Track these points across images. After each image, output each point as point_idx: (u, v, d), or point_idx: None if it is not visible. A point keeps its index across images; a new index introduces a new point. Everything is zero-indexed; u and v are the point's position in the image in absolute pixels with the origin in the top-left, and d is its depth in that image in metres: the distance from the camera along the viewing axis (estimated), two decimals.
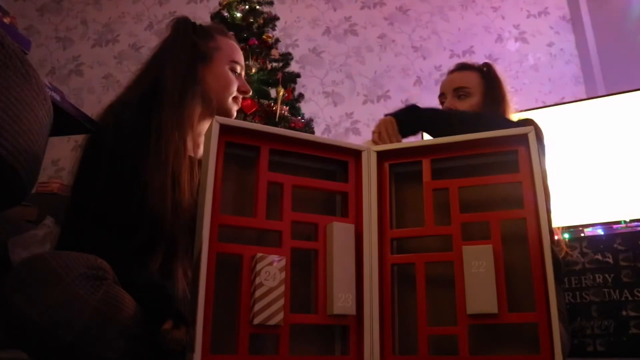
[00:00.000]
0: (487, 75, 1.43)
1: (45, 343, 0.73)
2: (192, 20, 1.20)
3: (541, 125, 1.29)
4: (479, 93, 1.39)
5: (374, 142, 1.24)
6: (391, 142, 1.21)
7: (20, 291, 0.74)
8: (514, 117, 1.41)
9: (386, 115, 1.29)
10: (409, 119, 1.27)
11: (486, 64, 1.47)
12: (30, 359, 0.80)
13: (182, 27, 1.16)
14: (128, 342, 0.80)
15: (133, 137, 0.98)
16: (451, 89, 1.41)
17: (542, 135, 1.30)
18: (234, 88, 1.17)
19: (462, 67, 1.47)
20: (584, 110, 2.32)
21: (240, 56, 1.21)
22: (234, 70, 1.18)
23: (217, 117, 0.76)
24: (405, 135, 1.26)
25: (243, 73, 1.23)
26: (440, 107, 1.46)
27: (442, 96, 1.45)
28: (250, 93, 1.28)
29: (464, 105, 1.37)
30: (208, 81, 1.13)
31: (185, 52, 1.11)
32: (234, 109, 1.19)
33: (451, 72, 1.49)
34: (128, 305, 0.81)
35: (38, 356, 0.78)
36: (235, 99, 1.18)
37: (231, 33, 1.29)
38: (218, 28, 1.24)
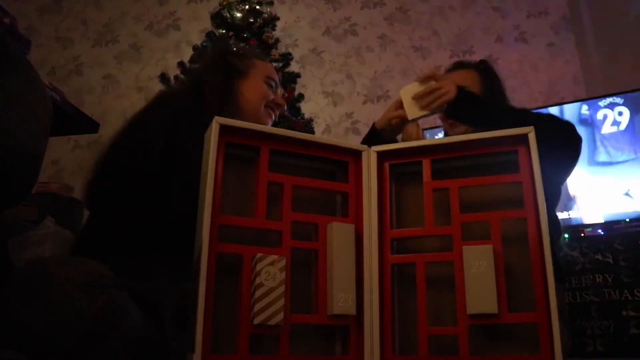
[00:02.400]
0: (485, 73, 1.42)
1: (44, 350, 0.73)
2: (230, 45, 1.30)
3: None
4: (478, 92, 1.36)
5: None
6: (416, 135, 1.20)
7: (20, 298, 0.74)
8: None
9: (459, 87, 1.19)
10: (467, 106, 1.20)
11: (482, 61, 1.46)
12: None
13: (220, 50, 1.30)
14: (128, 348, 0.80)
15: (186, 124, 1.03)
16: None
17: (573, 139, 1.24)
18: (269, 99, 1.24)
19: (460, 66, 1.46)
20: (584, 110, 2.32)
21: (274, 74, 1.30)
22: (270, 85, 1.26)
23: (217, 118, 0.76)
24: (450, 117, 1.23)
25: (279, 91, 1.31)
26: None
27: None
28: (285, 107, 1.36)
29: None
30: (244, 93, 1.22)
31: (222, 70, 1.22)
32: (267, 119, 1.26)
33: (448, 71, 1.47)
34: (129, 311, 0.81)
35: None
36: (268, 109, 1.25)
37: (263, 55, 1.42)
38: (254, 51, 1.37)
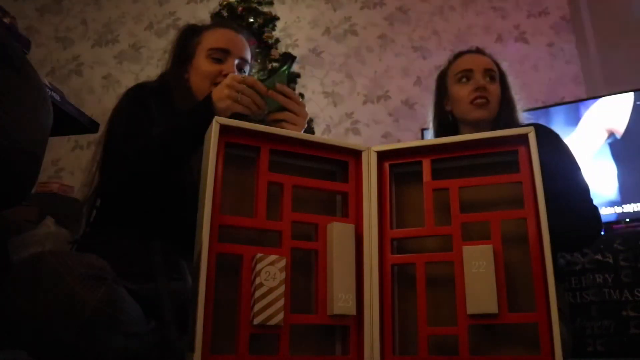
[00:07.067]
0: (499, 68, 1.45)
1: (45, 342, 0.73)
2: (193, 23, 1.24)
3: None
4: (499, 81, 1.40)
5: None
6: None
7: (21, 290, 0.74)
8: (522, 115, 1.42)
9: None
10: None
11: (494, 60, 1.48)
12: (30, 359, 0.80)
13: (178, 36, 1.22)
14: (128, 342, 0.80)
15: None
16: (482, 68, 1.39)
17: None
18: (213, 75, 1.13)
19: (484, 53, 1.47)
20: (584, 110, 2.32)
21: (223, 42, 1.16)
22: (214, 58, 1.15)
23: (217, 118, 0.76)
24: None
25: (234, 59, 1.17)
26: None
27: (466, 72, 1.41)
28: (236, 73, 1.23)
29: (494, 88, 1.37)
30: (192, 77, 1.16)
31: (174, 58, 1.19)
32: None
33: (476, 52, 1.48)
34: (128, 305, 0.81)
35: (38, 355, 0.78)
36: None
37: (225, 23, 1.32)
38: (212, 23, 1.25)
